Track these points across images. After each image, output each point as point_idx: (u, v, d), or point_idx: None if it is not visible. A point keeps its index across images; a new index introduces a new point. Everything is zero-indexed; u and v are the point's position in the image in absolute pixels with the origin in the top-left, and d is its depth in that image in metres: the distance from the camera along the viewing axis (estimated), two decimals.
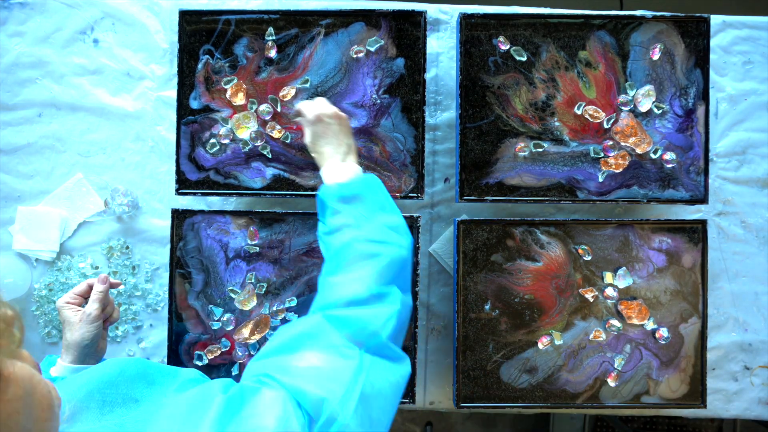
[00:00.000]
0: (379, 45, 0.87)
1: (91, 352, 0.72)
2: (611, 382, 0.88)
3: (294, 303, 0.88)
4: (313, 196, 0.88)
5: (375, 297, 0.62)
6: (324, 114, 0.77)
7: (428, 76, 0.99)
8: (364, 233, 0.67)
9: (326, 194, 0.71)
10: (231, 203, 1.00)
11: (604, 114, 0.88)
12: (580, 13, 0.88)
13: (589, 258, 0.88)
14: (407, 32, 0.88)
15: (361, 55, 0.88)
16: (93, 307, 0.73)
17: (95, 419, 0.52)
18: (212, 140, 0.89)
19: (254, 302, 0.89)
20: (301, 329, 0.58)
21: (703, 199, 0.88)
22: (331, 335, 0.57)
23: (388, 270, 0.65)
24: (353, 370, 0.54)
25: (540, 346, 0.88)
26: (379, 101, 0.88)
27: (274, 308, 0.89)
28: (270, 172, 0.89)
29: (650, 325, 0.88)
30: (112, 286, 0.77)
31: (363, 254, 0.65)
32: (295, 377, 0.51)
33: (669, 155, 0.88)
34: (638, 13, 0.93)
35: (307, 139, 0.78)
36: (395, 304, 0.62)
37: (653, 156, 0.88)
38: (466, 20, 0.88)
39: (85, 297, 0.75)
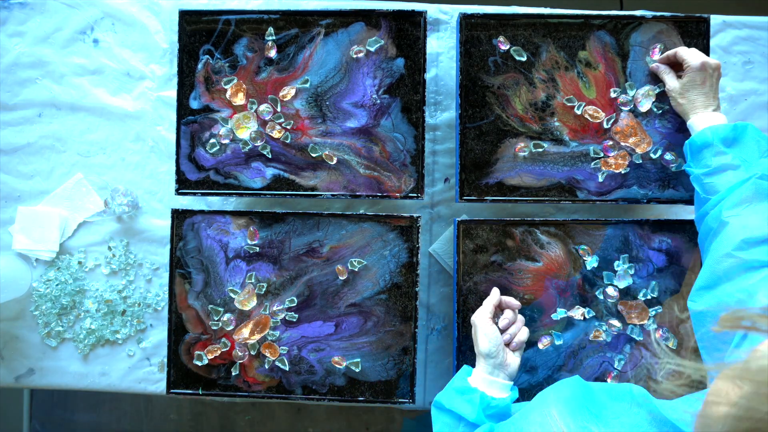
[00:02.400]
0: (379, 45, 0.87)
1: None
2: (611, 383, 0.88)
3: (294, 303, 0.88)
4: (314, 196, 0.88)
5: None
6: (710, 64, 0.79)
7: (428, 76, 0.99)
8: (758, 171, 0.69)
9: (711, 134, 0.73)
10: (231, 203, 1.00)
11: (604, 114, 0.88)
12: (580, 13, 0.88)
13: (597, 265, 0.88)
14: (407, 32, 0.88)
15: (361, 55, 0.88)
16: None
17: None
18: (212, 140, 0.89)
19: (254, 302, 0.89)
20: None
21: None
22: None
23: None
24: None
25: (540, 346, 0.88)
26: (379, 101, 0.88)
27: (274, 308, 0.89)
28: (270, 172, 0.89)
29: (650, 325, 0.88)
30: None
31: (764, 191, 0.67)
32: None
33: (669, 155, 0.88)
34: (638, 13, 0.93)
35: (676, 84, 0.81)
36: None
37: (653, 156, 0.88)
38: (466, 20, 0.88)
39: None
